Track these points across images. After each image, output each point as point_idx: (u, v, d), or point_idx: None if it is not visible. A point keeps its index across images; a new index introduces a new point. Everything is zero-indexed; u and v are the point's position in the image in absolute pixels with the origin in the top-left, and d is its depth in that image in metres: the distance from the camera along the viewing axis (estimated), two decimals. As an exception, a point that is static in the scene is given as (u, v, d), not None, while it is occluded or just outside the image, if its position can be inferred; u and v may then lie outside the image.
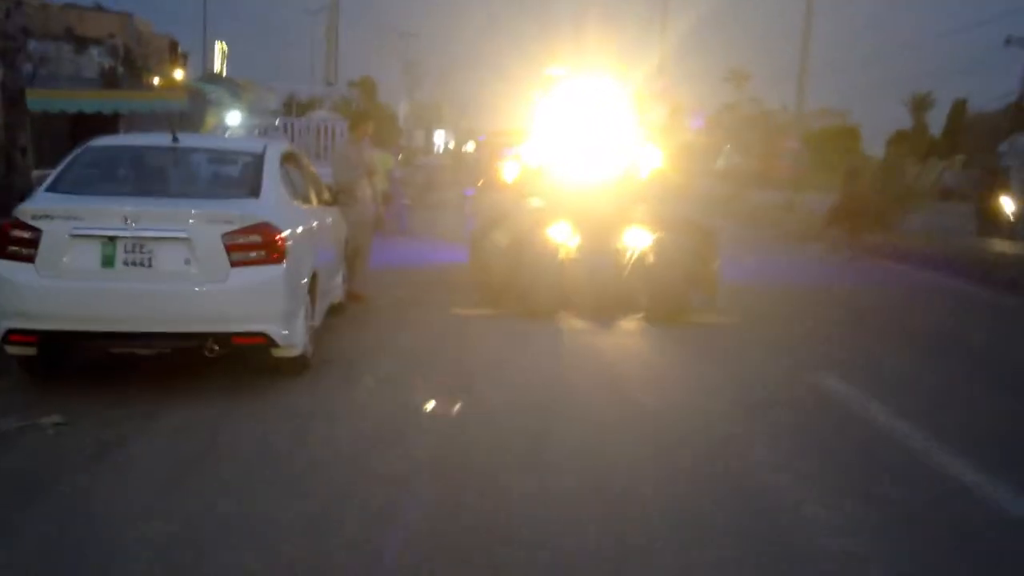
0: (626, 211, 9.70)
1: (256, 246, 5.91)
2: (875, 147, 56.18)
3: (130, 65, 26.63)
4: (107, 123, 20.85)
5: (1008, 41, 43.49)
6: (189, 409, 5.70)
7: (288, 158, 7.30)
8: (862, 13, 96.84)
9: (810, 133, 37.18)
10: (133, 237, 5.73)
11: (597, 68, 11.02)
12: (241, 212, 6.01)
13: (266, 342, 6.03)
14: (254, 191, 6.34)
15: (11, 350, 5.99)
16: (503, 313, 9.14)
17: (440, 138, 59.56)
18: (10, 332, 5.75)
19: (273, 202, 6.41)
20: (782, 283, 12.34)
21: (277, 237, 6.01)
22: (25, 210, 5.84)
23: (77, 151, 6.58)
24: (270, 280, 5.97)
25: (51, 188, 6.14)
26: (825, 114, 55.85)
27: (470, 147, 32.10)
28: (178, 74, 32.84)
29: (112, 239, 5.72)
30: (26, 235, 5.69)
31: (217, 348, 5.96)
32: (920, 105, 57.03)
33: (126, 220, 5.74)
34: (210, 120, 23.85)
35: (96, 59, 24.37)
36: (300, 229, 6.60)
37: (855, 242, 16.43)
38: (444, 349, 7.80)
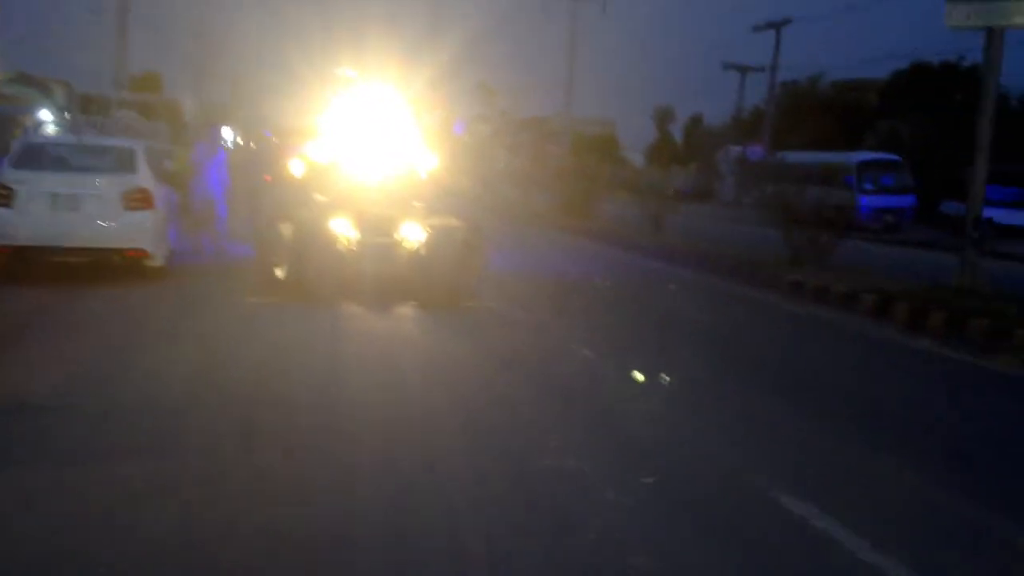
0: (403, 207, 10.80)
1: (139, 199, 10.60)
2: (632, 154, 64.63)
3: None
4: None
5: (725, 66, 52.34)
6: (103, 290, 10.29)
7: (148, 151, 11.93)
8: (616, 35, 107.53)
9: (577, 139, 42.05)
10: (68, 194, 10.32)
11: (380, 73, 12.31)
12: (130, 180, 10.70)
13: (145, 255, 10.73)
14: (134, 169, 11.00)
15: (-9, 260, 10.34)
16: (286, 301, 10.00)
17: (228, 135, 61.58)
18: (-3, 247, 10.19)
19: (145, 176, 11.07)
20: (525, 269, 14.98)
21: (150, 195, 10.73)
22: (7, 177, 10.30)
23: (22, 144, 11.08)
24: (147, 219, 10.69)
25: (13, 166, 10.58)
26: (594, 123, 63.06)
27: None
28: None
29: (56, 195, 10.28)
30: (7, 192, 10.15)
31: (116, 259, 10.63)
32: (663, 118, 65.42)
33: (64, 185, 10.32)
34: (27, 118, 26.82)
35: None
36: (160, 193, 11.25)
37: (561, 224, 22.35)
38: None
